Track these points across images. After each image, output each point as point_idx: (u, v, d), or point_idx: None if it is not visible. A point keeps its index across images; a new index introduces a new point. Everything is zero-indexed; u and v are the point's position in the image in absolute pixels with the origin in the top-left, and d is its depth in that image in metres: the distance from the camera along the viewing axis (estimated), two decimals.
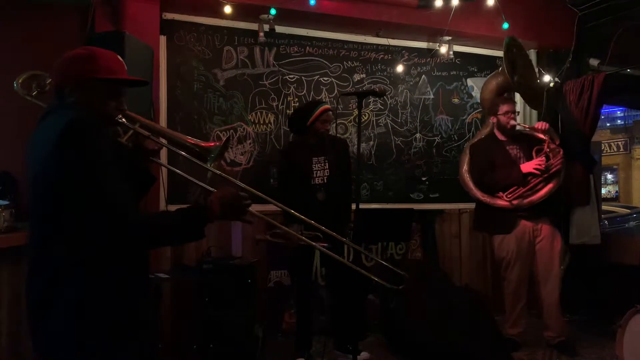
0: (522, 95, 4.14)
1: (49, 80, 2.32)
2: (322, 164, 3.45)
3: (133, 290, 1.51)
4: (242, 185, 1.77)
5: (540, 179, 3.59)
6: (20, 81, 2.32)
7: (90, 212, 1.37)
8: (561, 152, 3.64)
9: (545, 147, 3.62)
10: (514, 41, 3.96)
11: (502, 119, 3.71)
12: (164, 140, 1.69)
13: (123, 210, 1.39)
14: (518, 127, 3.75)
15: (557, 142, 3.68)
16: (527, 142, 3.76)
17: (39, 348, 1.45)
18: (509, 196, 3.62)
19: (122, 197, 1.40)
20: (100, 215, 1.37)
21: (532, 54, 4.76)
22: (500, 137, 3.79)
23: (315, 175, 3.44)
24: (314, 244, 2.23)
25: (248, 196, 1.57)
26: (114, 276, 1.44)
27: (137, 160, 1.66)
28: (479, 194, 3.82)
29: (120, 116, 1.56)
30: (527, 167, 3.60)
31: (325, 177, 3.44)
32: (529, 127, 3.84)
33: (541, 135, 3.68)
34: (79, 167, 1.36)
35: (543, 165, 3.57)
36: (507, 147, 3.74)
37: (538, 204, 3.62)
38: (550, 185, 3.63)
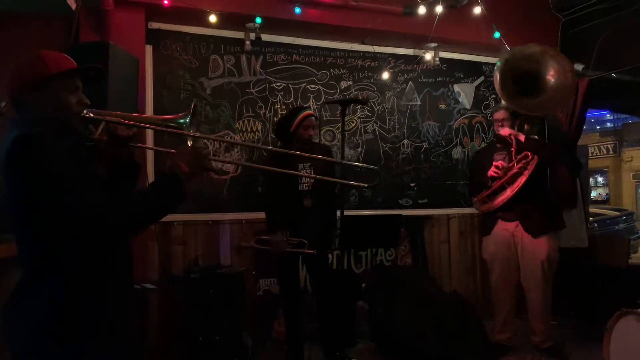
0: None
1: (3, 103, 2.29)
2: (308, 171, 3.43)
3: (108, 301, 1.50)
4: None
5: (498, 183, 3.57)
6: None
7: (53, 223, 1.38)
8: (529, 157, 3.50)
9: (513, 153, 3.56)
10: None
11: (494, 126, 3.80)
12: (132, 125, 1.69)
13: (91, 209, 1.38)
14: (498, 133, 3.75)
15: (523, 139, 3.56)
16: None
17: (12, 355, 1.45)
18: (476, 201, 3.73)
19: (86, 198, 1.39)
20: (66, 223, 1.37)
21: None
22: (498, 143, 3.82)
23: (301, 181, 3.44)
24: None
25: (204, 146, 1.66)
26: (87, 287, 1.45)
27: (116, 150, 1.66)
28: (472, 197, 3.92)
29: (86, 112, 1.55)
30: (490, 171, 3.63)
31: (311, 184, 3.43)
32: (499, 134, 3.72)
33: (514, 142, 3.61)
34: (27, 186, 1.37)
35: (501, 168, 3.55)
36: (495, 154, 3.75)
37: (518, 207, 3.55)
38: (507, 193, 3.52)
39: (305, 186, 3.43)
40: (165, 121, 1.73)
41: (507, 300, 3.73)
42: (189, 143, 1.69)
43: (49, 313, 1.40)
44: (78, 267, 1.43)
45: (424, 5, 4.10)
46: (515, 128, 3.66)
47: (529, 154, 3.51)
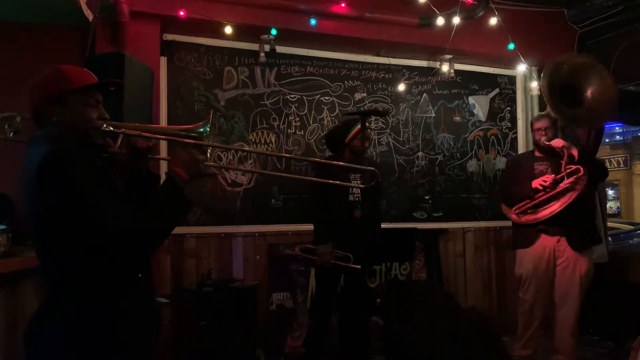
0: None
1: (19, 119, 2.28)
2: (358, 182, 3.37)
3: (129, 324, 1.47)
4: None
5: (545, 196, 3.49)
6: None
7: (81, 238, 1.35)
8: (581, 172, 3.40)
9: (563, 165, 3.48)
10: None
11: (534, 135, 3.69)
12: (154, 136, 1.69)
13: (115, 223, 1.37)
14: (547, 144, 3.66)
15: (576, 158, 3.47)
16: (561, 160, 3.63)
17: None
18: (516, 210, 3.56)
19: (112, 213, 1.38)
20: (93, 238, 1.35)
21: (534, 71, 4.76)
22: (537, 153, 3.73)
23: (351, 191, 3.39)
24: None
25: (200, 150, 1.60)
26: (108, 309, 1.42)
27: (136, 162, 1.64)
28: (502, 205, 3.79)
29: (105, 125, 1.54)
30: (535, 182, 3.54)
31: (360, 195, 3.37)
32: (547, 144, 3.60)
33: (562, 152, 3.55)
34: (59, 201, 1.35)
35: (549, 182, 3.48)
36: (535, 163, 3.66)
37: (564, 222, 3.45)
38: (555, 206, 3.46)
39: (356, 197, 3.38)
40: (184, 131, 1.70)
41: (537, 317, 3.60)
42: (208, 153, 1.66)
43: (69, 335, 1.37)
44: (99, 289, 1.40)
45: (440, 16, 4.06)
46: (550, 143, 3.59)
47: (581, 169, 3.41)
